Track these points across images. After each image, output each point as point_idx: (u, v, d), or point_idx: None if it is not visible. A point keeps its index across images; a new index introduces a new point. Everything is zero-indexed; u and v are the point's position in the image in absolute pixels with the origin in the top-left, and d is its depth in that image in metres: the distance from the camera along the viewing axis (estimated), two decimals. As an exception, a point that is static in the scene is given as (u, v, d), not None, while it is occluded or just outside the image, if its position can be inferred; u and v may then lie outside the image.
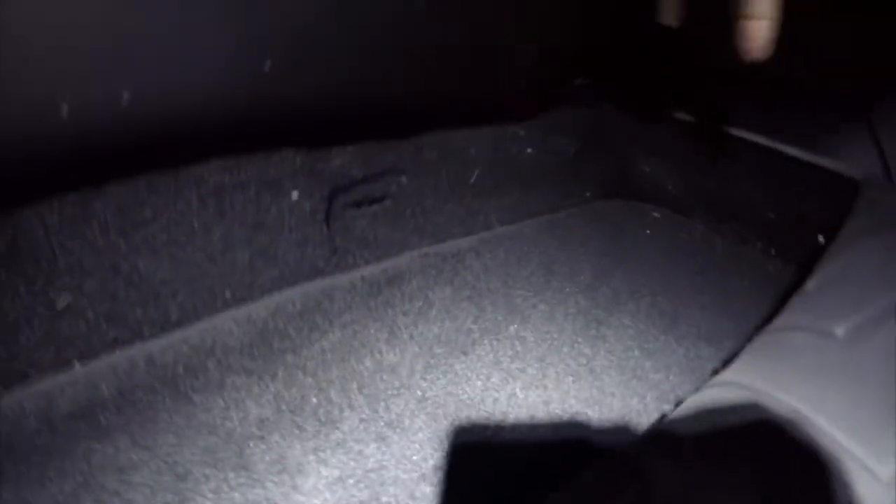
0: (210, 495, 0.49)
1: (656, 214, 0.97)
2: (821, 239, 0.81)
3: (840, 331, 0.51)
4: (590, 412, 0.60)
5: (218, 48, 0.52)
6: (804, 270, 0.74)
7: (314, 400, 0.57)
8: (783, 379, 0.48)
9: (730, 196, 0.92)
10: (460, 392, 0.59)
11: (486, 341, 0.64)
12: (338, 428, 0.55)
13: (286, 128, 0.61)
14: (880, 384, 0.47)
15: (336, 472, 0.52)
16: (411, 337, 0.63)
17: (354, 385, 0.58)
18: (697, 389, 0.55)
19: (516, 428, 0.57)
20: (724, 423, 0.46)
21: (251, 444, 0.53)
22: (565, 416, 0.59)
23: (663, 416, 0.57)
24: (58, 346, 0.54)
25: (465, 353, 0.62)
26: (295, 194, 0.63)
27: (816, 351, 0.50)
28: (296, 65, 0.56)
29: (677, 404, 0.58)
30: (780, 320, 0.56)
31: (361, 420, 0.56)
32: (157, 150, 0.57)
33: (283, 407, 0.56)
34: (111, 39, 0.46)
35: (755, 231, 0.90)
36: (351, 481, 0.51)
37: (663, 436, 0.47)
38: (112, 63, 0.47)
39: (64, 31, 0.44)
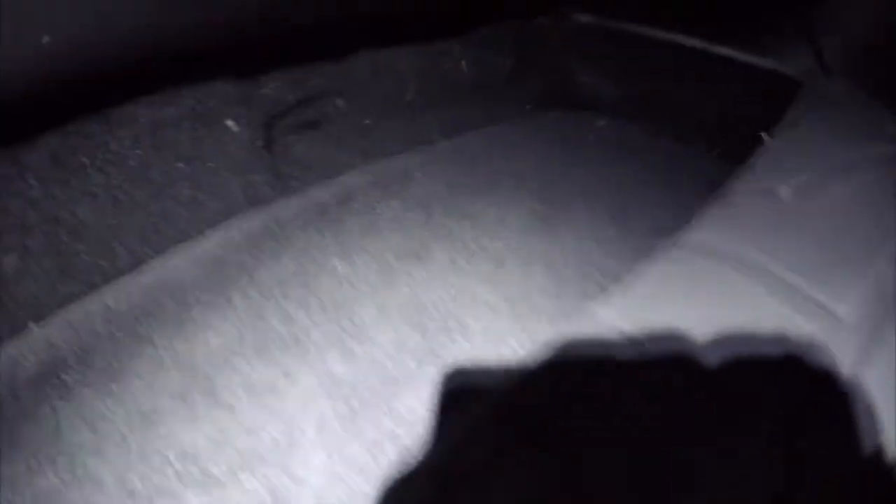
0: (183, 429, 0.49)
1: (599, 122, 0.97)
2: (764, 136, 0.82)
3: (784, 191, 0.53)
4: (549, 303, 0.60)
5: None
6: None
7: (275, 322, 0.56)
8: (737, 235, 0.50)
9: (669, 100, 0.93)
10: (420, 296, 0.60)
11: (439, 246, 0.64)
12: (303, 346, 0.55)
13: (214, 58, 0.60)
14: (828, 233, 0.49)
15: (308, 390, 0.52)
16: (364, 249, 0.63)
17: (314, 302, 0.58)
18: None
19: (480, 325, 0.58)
20: (685, 280, 0.48)
21: (218, 374, 0.53)
22: (526, 309, 0.60)
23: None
24: (11, 312, 0.53)
25: (419, 259, 0.63)
26: (231, 123, 0.62)
27: (764, 209, 0.52)
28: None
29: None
30: (728, 187, 0.58)
31: (326, 335, 0.56)
32: (84, 93, 0.55)
33: (246, 333, 0.56)
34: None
35: (697, 133, 0.91)
36: (324, 397, 0.51)
37: (626, 295, 0.48)
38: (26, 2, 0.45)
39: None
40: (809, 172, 0.56)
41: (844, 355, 0.40)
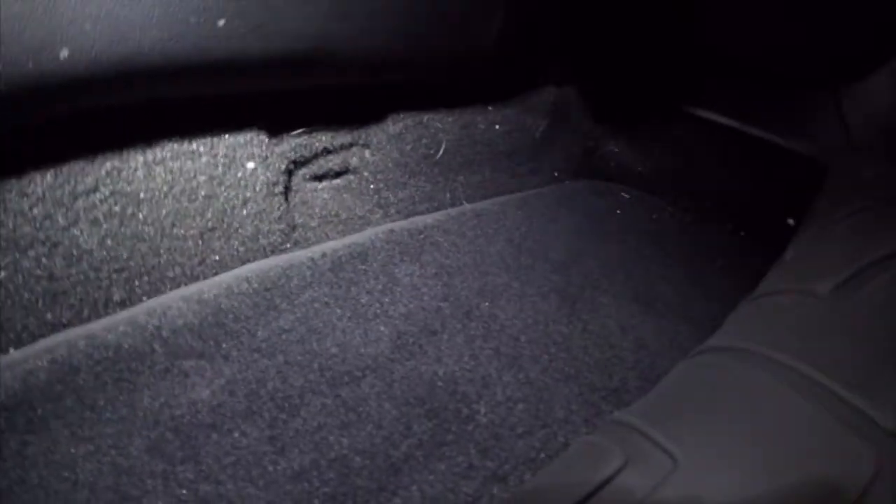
0: (158, 493, 0.45)
1: (625, 195, 0.94)
2: (790, 221, 0.80)
3: (823, 290, 0.51)
4: (568, 391, 0.57)
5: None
6: (774, 249, 0.74)
7: (271, 384, 0.52)
8: (774, 339, 0.47)
9: (697, 176, 0.91)
10: (430, 374, 0.56)
11: (456, 320, 0.60)
12: (298, 414, 0.51)
13: (243, 94, 0.57)
14: (870, 337, 0.46)
15: (296, 464, 0.47)
16: (376, 316, 0.59)
17: (316, 367, 0.54)
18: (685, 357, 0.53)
19: (493, 410, 0.54)
20: (719, 385, 0.45)
21: (202, 435, 0.49)
22: (544, 396, 0.56)
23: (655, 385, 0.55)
24: None
25: (433, 333, 0.58)
26: (251, 165, 0.58)
27: (803, 310, 0.50)
28: (254, 25, 0.52)
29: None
30: (761, 288, 0.56)
31: (324, 406, 0.51)
32: (99, 114, 0.52)
33: (238, 392, 0.51)
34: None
35: (723, 211, 0.89)
36: (314, 474, 0.47)
37: (658, 406, 0.46)
38: (48, 16, 0.42)
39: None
40: (844, 269, 0.53)
41: (884, 465, 0.37)
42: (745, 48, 0.84)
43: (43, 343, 0.51)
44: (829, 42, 0.76)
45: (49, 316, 0.52)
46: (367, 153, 0.66)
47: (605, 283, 0.69)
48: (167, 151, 0.55)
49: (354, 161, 0.67)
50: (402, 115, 0.68)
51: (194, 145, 0.56)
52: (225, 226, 0.58)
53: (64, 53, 0.44)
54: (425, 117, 0.66)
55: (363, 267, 0.61)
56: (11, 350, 0.51)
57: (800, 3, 0.75)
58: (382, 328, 0.58)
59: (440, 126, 0.59)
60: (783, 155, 0.81)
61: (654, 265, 0.75)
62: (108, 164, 0.53)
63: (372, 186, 0.67)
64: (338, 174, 0.67)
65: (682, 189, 0.93)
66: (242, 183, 0.58)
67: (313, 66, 0.58)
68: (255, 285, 0.57)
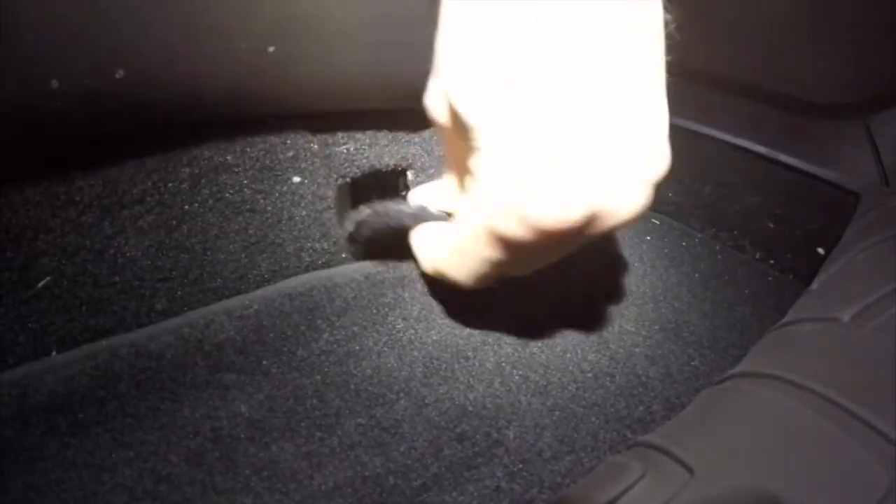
0: (196, 499, 0.46)
1: (655, 221, 0.95)
2: (820, 251, 0.80)
3: (846, 316, 0.52)
4: (594, 418, 0.58)
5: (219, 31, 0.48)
6: (804, 281, 0.75)
7: (309, 402, 0.53)
8: (794, 363, 0.48)
9: (729, 205, 0.91)
10: (462, 398, 0.57)
11: (487, 347, 0.61)
12: (334, 433, 0.52)
13: (294, 107, 0.58)
14: (889, 360, 0.47)
15: (332, 480, 0.49)
16: (411, 342, 0.60)
17: (352, 387, 0.55)
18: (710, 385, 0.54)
19: (521, 436, 0.55)
20: (739, 406, 0.47)
21: (241, 447, 0.50)
22: (571, 423, 0.57)
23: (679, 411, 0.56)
24: (34, 334, 0.50)
25: (465, 359, 0.60)
26: (298, 180, 0.59)
27: (825, 337, 0.51)
28: (302, 51, 0.53)
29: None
30: (787, 317, 0.56)
31: (359, 425, 0.53)
32: (150, 125, 0.53)
33: (277, 408, 0.52)
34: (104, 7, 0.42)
35: (752, 239, 0.89)
36: (348, 490, 0.48)
37: (680, 427, 0.47)
38: (105, 34, 0.43)
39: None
40: (865, 296, 0.54)
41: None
42: (773, 74, 0.84)
43: (86, 349, 0.52)
44: (859, 69, 0.77)
45: (92, 322, 0.53)
46: (410, 175, 0.67)
47: (633, 311, 0.70)
48: (213, 165, 0.56)
49: (398, 182, 0.68)
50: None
51: (240, 159, 0.57)
52: (268, 241, 0.59)
53: (119, 73, 0.45)
54: None
55: (402, 293, 0.61)
56: (54, 353, 0.52)
57: (828, 29, 0.75)
58: (416, 354, 0.59)
59: None
60: (814, 183, 0.81)
61: (683, 293, 0.76)
62: (155, 177, 0.54)
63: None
64: (382, 194, 0.68)
65: (711, 216, 0.92)
66: (288, 198, 0.59)
67: (363, 91, 0.59)
68: (297, 304, 0.58)
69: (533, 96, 0.34)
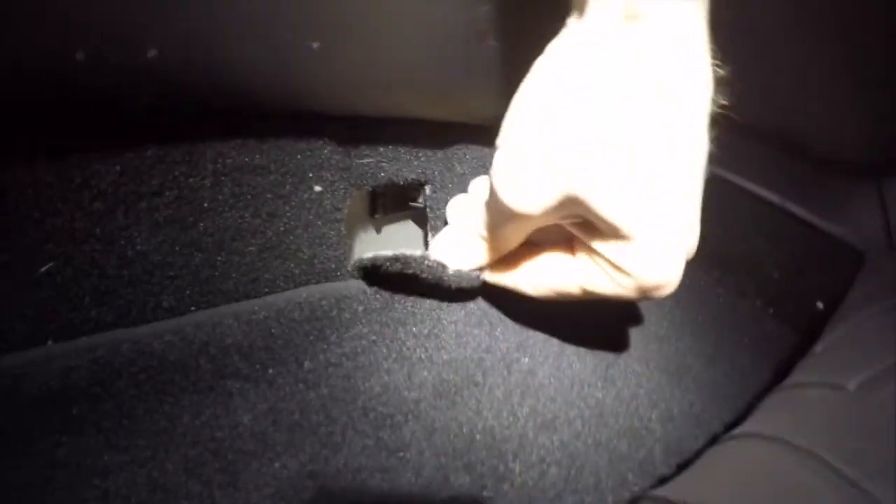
0: (193, 513, 0.44)
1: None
2: (819, 305, 0.80)
3: (852, 385, 0.51)
4: (598, 458, 0.57)
5: (263, 20, 0.46)
6: (802, 333, 0.76)
7: (314, 418, 0.51)
8: (799, 429, 0.48)
9: (736, 249, 0.90)
10: (470, 426, 0.55)
11: (496, 373, 0.60)
12: (340, 452, 0.50)
13: (322, 114, 0.56)
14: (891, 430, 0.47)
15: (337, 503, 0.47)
16: (421, 360, 0.58)
17: (359, 404, 0.53)
18: (710, 443, 0.54)
19: (527, 471, 0.53)
20: (745, 471, 0.46)
21: (242, 461, 0.48)
22: (576, 461, 0.56)
23: (679, 467, 0.57)
24: (33, 322, 0.48)
25: (475, 384, 0.58)
26: (318, 188, 0.58)
27: (830, 403, 0.51)
28: (345, 51, 0.51)
29: (681, 465, 0.57)
30: (790, 379, 0.56)
31: (365, 447, 0.51)
32: (176, 117, 0.51)
33: (281, 421, 0.50)
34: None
35: (757, 288, 0.89)
36: None
37: (686, 481, 0.48)
38: (141, 6, 0.41)
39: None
40: (872, 366, 0.54)
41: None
42: (789, 125, 0.84)
43: (85, 341, 0.50)
44: (876, 130, 0.76)
45: (94, 313, 0.50)
46: (428, 189, 0.66)
47: (639, 349, 0.69)
48: (238, 164, 0.54)
49: (415, 196, 0.67)
50: (468, 157, 0.67)
51: (266, 161, 0.55)
52: (283, 246, 0.57)
53: (152, 53, 0.43)
54: (489, 162, 0.65)
55: (412, 308, 0.60)
56: (50, 342, 0.49)
57: (848, 87, 0.74)
58: (426, 373, 0.57)
59: None
60: (821, 237, 0.81)
61: (686, 337, 0.75)
62: (177, 170, 0.51)
63: (430, 224, 0.66)
64: (398, 207, 0.67)
65: (718, 259, 0.92)
66: (308, 205, 0.57)
67: (400, 99, 0.57)
68: (307, 313, 0.56)
69: (655, 183, 0.40)
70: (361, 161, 0.60)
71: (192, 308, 0.54)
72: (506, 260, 0.55)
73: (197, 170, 0.52)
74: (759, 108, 0.85)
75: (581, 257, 0.48)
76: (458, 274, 0.56)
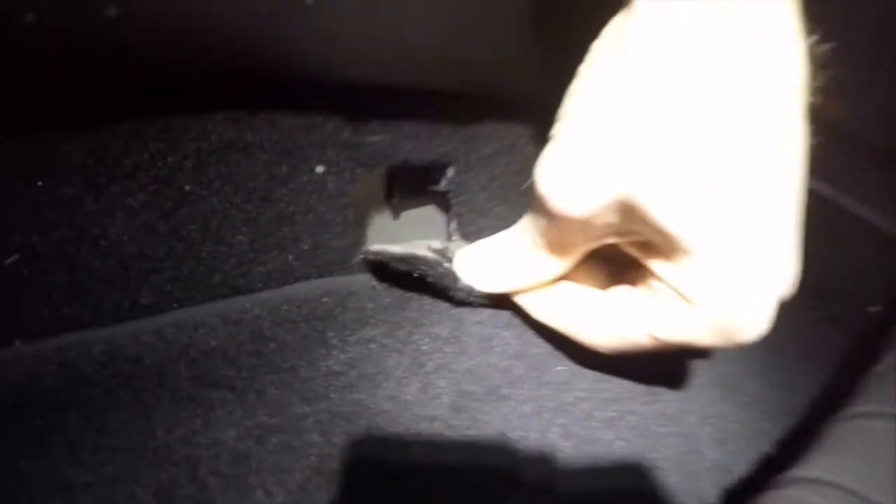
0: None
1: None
2: (875, 309, 0.71)
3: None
4: (642, 484, 0.49)
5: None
6: (854, 340, 0.69)
7: (308, 437, 0.44)
8: (868, 474, 0.42)
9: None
10: (494, 443, 0.48)
11: (526, 384, 0.51)
12: (339, 481, 0.43)
13: (328, 85, 0.48)
14: None
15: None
16: (438, 368, 0.50)
17: (364, 423, 0.46)
18: (770, 486, 0.46)
19: (560, 498, 0.46)
20: None
21: (220, 486, 0.41)
22: (620, 488, 0.48)
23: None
24: None
25: (501, 398, 0.50)
26: (321, 169, 0.50)
27: (871, 441, 0.46)
28: (346, 4, 0.43)
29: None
30: (853, 408, 0.50)
31: (369, 474, 0.44)
32: (151, 88, 0.44)
33: (268, 440, 0.44)
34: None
35: (808, 290, 0.80)
36: None
37: None
38: None
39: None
40: None
41: None
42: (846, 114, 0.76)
43: (54, 341, 0.44)
44: None
45: (66, 310, 0.44)
46: (450, 171, 0.58)
47: (684, 359, 0.61)
48: (226, 141, 0.47)
49: (436, 178, 0.59)
50: (495, 136, 0.59)
51: (258, 138, 0.47)
52: (280, 235, 0.49)
53: (111, 11, 0.36)
54: (520, 141, 0.57)
55: (429, 306, 0.52)
56: (17, 343, 0.44)
57: None
58: (443, 384, 0.49)
59: (533, 154, 0.52)
60: (875, 234, 0.74)
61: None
62: (153, 148, 0.45)
63: (452, 210, 0.58)
64: (417, 190, 0.59)
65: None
66: (308, 188, 0.50)
67: (412, 67, 0.49)
68: (306, 312, 0.49)
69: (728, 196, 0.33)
70: (372, 138, 0.52)
71: (174, 305, 0.47)
72: (552, 297, 0.47)
73: (176, 148, 0.45)
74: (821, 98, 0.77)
75: (644, 292, 0.40)
76: (470, 289, 0.49)
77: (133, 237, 0.45)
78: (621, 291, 0.42)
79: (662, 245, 0.35)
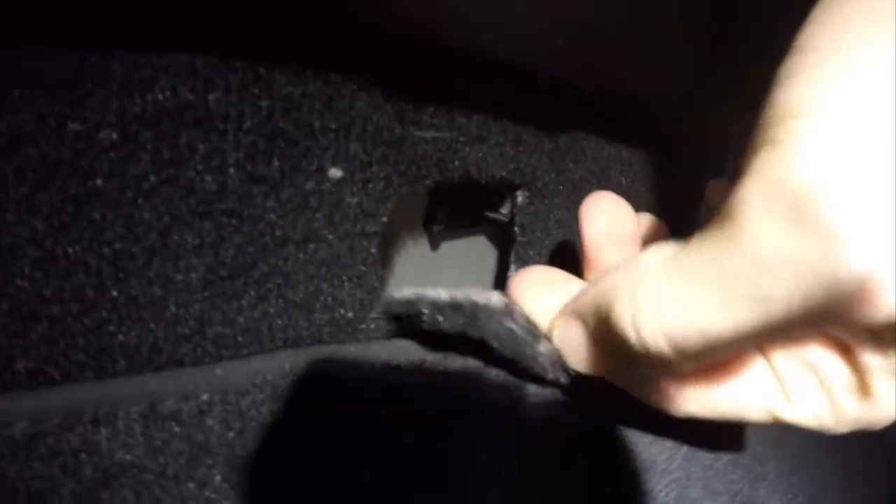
0: None
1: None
2: None
3: None
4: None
5: None
6: None
7: None
8: None
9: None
10: None
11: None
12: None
13: (353, 34, 0.30)
14: None
15: None
16: (491, 441, 0.32)
17: None
18: None
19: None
20: None
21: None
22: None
23: None
24: None
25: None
26: (336, 173, 0.31)
27: None
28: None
29: None
30: None
31: None
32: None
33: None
34: None
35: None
36: None
37: None
38: None
39: None
40: None
41: None
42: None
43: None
44: None
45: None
46: (521, 197, 0.40)
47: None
48: (167, 107, 0.28)
49: (498, 202, 0.41)
50: (585, 156, 0.41)
51: (229, 109, 0.28)
52: (259, 275, 0.30)
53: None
54: (614, 168, 0.40)
55: (461, 369, 0.33)
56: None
57: None
58: (488, 472, 0.31)
59: (624, 180, 0.35)
60: None
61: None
62: (64, 136, 0.26)
63: (515, 248, 0.40)
64: (472, 219, 0.41)
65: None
66: (313, 202, 0.31)
67: (504, 29, 0.31)
68: (300, 373, 0.30)
69: None
70: (422, 134, 0.34)
71: (158, 366, 0.28)
72: None
73: (101, 129, 0.26)
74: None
75: (781, 363, 0.30)
76: (556, 361, 0.31)
77: (115, 273, 0.27)
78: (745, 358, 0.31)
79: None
